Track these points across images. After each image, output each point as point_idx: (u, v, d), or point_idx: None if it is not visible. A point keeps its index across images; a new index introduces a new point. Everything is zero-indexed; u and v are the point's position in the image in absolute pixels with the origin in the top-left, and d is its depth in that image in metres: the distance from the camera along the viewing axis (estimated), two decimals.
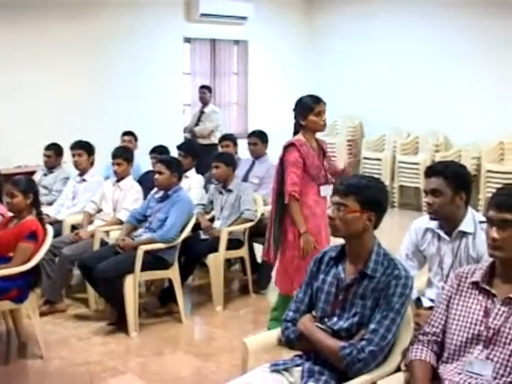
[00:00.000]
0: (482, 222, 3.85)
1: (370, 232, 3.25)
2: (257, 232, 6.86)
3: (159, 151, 7.48)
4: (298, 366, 3.28)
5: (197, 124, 10.63)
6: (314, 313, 3.38)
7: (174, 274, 6.09)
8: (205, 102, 10.75)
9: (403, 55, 11.75)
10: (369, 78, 12.06)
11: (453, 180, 3.89)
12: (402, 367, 3.19)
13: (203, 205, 6.91)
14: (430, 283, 4.17)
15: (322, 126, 5.48)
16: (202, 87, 10.88)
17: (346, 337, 3.19)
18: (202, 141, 10.16)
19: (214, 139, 10.08)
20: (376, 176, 10.62)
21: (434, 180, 3.91)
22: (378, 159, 11.51)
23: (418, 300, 4.10)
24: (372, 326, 3.10)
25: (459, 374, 2.90)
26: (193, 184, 7.10)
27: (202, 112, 10.72)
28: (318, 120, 5.44)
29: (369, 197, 3.18)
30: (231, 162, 6.86)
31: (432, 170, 3.97)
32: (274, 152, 8.26)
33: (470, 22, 10.78)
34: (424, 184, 4.04)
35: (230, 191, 6.74)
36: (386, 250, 3.29)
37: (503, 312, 2.88)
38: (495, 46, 10.59)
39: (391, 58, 11.92)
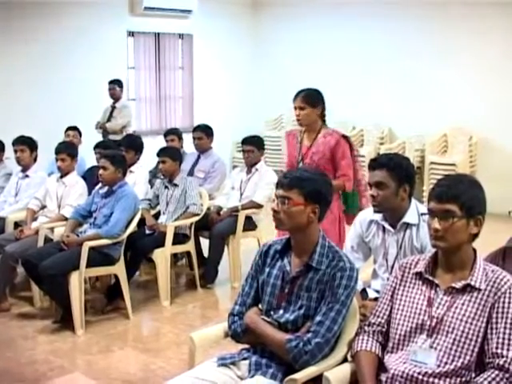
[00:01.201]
0: (423, 214, 3.90)
1: (315, 224, 3.26)
2: (203, 226, 6.88)
3: (103, 146, 7.40)
4: (245, 359, 3.29)
5: (108, 120, 10.23)
6: (260, 306, 3.38)
7: (119, 269, 6.05)
8: (115, 98, 10.35)
9: (348, 50, 11.85)
10: (314, 70, 12.09)
11: (397, 172, 3.91)
12: (349, 358, 3.21)
13: (149, 200, 6.88)
14: (375, 274, 4.21)
15: (297, 120, 5.58)
16: (111, 82, 10.41)
17: (293, 329, 3.20)
18: (113, 137, 9.76)
19: None
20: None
21: (377, 173, 3.93)
22: None
23: (364, 291, 4.13)
24: (318, 318, 3.12)
25: (404, 363, 2.93)
26: (138, 179, 7.05)
27: (113, 107, 10.31)
28: (295, 115, 5.56)
29: (313, 189, 3.19)
30: (177, 156, 6.83)
31: (376, 163, 3.98)
32: (219, 146, 8.29)
33: (416, 20, 10.95)
34: (368, 177, 4.05)
35: (175, 186, 6.71)
36: (331, 242, 3.31)
37: (446, 301, 2.93)
38: (437, 41, 10.76)
39: (337, 51, 12.00)
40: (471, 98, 10.56)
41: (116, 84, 10.39)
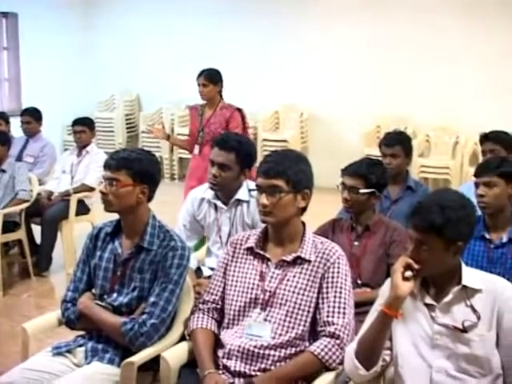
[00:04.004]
0: (251, 190, 3.95)
1: (144, 205, 3.24)
2: (34, 212, 6.66)
3: None
4: (80, 346, 3.24)
5: None
6: (93, 291, 3.33)
7: None
8: None
9: (176, 28, 11.76)
10: (145, 51, 11.98)
11: (243, 158, 3.96)
12: (187, 337, 3.23)
13: None
14: (209, 252, 4.25)
15: (200, 96, 6.51)
16: None
17: (127, 312, 3.18)
18: None
19: None
20: (156, 149, 10.58)
21: (224, 154, 3.94)
22: None
23: (199, 269, 4.15)
24: (152, 299, 3.11)
25: (240, 337, 2.98)
26: None
27: None
28: (199, 91, 6.49)
29: (140, 170, 3.16)
30: (5, 140, 6.55)
31: (226, 144, 3.97)
32: (48, 129, 8.05)
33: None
34: (212, 153, 4.03)
35: (3, 171, 6.43)
36: (162, 222, 3.30)
37: (277, 275, 2.99)
38: (267, 18, 10.89)
39: (166, 31, 11.89)
40: (301, 74, 10.79)
41: None
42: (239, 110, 6.57)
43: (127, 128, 12.24)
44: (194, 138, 6.57)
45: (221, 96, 6.62)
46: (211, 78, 6.47)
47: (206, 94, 6.47)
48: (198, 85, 6.46)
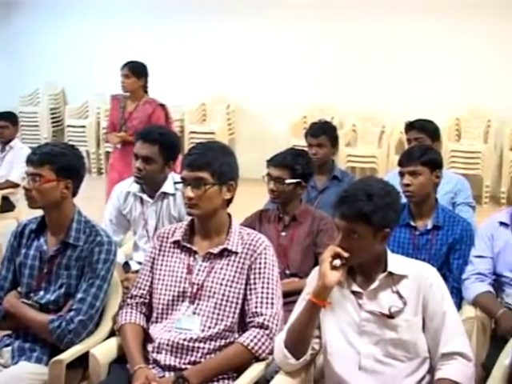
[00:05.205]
0: (176, 183, 3.94)
1: (69, 200, 3.20)
2: None
3: None
4: (7, 346, 3.18)
5: None
6: (19, 289, 3.26)
7: None
8: None
9: (100, 20, 11.55)
10: (69, 43, 11.75)
11: (167, 150, 3.96)
12: (116, 332, 3.19)
13: None
14: (136, 246, 4.23)
15: (121, 87, 6.46)
16: None
17: (55, 310, 3.14)
18: None
19: None
20: (82, 143, 10.39)
21: (148, 146, 3.93)
22: (83, 126, 11.30)
23: (127, 264, 4.13)
24: (79, 296, 3.08)
25: (169, 331, 2.96)
26: None
27: None
28: (121, 82, 6.46)
29: (64, 164, 3.11)
30: None
31: (149, 136, 3.97)
32: None
33: None
34: (136, 147, 4.01)
35: None
36: (87, 217, 3.27)
37: (205, 267, 2.99)
38: (195, 15, 10.83)
39: (91, 23, 11.67)
40: (228, 66, 10.74)
41: None
42: (162, 105, 6.51)
43: (52, 122, 12.01)
44: (114, 130, 6.49)
45: (145, 91, 6.55)
46: (134, 71, 6.42)
47: (127, 85, 6.43)
48: (122, 76, 6.43)
